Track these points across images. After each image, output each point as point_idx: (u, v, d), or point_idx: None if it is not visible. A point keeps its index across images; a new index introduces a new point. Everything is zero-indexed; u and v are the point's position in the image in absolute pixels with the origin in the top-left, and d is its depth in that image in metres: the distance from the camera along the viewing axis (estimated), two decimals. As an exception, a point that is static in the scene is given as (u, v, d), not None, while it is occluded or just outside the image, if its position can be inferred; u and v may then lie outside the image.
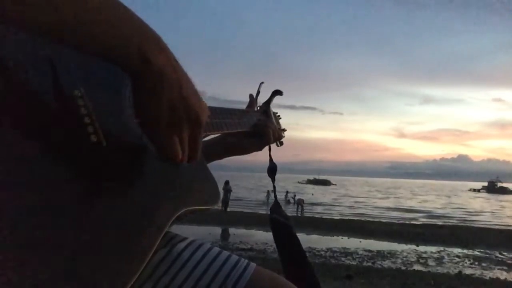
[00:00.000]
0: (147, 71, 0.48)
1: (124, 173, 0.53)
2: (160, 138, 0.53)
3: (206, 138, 0.93)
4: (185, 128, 0.54)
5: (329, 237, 11.72)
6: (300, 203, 23.67)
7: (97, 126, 0.49)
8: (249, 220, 14.10)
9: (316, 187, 70.00)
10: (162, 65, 0.49)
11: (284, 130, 1.12)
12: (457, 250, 10.33)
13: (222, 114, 0.87)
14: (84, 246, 0.43)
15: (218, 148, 0.95)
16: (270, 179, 1.06)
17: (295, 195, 29.29)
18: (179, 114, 0.52)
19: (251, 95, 1.04)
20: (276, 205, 1.00)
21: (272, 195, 1.09)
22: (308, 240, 10.42)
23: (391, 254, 9.37)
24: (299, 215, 20.84)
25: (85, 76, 0.54)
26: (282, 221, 0.96)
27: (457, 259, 9.25)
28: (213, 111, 0.84)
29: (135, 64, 0.48)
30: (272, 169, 1.06)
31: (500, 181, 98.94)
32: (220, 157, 0.97)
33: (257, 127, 0.97)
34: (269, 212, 1.00)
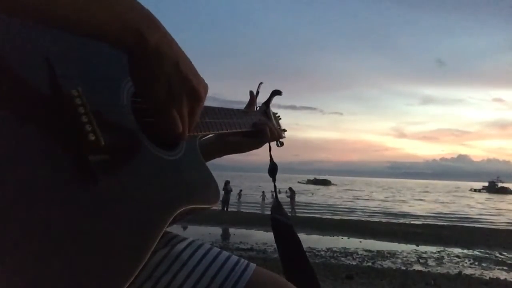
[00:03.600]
0: (143, 47, 0.49)
1: (123, 172, 0.53)
2: (159, 113, 0.54)
3: (206, 137, 0.93)
4: (184, 103, 0.55)
5: (329, 237, 11.69)
6: (292, 196, 21.25)
7: (95, 125, 0.49)
8: (249, 220, 14.08)
9: (316, 187, 69.95)
10: (157, 42, 0.49)
11: (284, 130, 1.12)
12: (457, 250, 10.31)
13: (222, 114, 0.87)
14: (82, 246, 0.43)
15: (218, 146, 0.95)
16: (271, 179, 1.06)
17: (287, 191, 23.89)
18: (177, 90, 0.53)
19: (251, 92, 1.05)
20: (277, 204, 1.00)
21: (267, 195, 1.09)
22: (308, 240, 10.40)
23: (391, 254, 9.35)
24: (292, 212, 19.91)
25: (84, 75, 0.54)
26: (283, 221, 0.96)
27: (457, 259, 9.22)
28: (213, 111, 0.84)
29: (130, 41, 0.48)
30: (272, 169, 1.06)
31: (501, 181, 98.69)
32: (220, 155, 0.97)
33: (256, 126, 0.98)
34: (270, 212, 1.00)
